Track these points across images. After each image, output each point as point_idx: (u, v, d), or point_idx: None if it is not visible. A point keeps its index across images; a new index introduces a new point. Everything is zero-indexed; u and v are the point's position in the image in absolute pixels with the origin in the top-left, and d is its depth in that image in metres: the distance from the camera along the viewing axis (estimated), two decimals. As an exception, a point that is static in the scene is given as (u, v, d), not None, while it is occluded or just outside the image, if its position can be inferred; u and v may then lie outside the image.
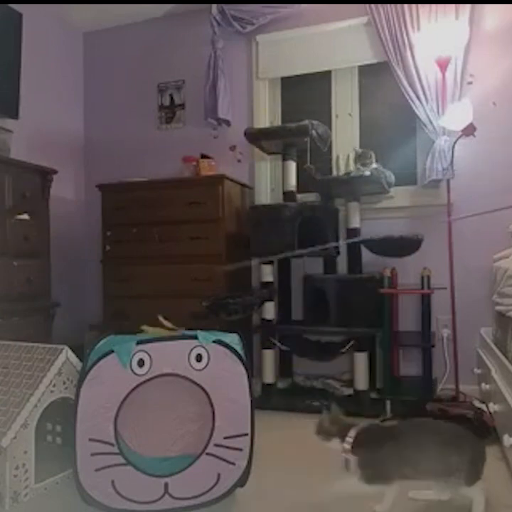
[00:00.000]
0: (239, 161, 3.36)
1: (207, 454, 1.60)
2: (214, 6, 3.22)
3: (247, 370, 1.64)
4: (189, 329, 1.67)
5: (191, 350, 1.59)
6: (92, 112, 3.76)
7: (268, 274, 2.82)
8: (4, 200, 2.60)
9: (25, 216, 2.71)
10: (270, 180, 3.34)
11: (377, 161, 2.77)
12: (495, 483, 1.70)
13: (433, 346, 2.56)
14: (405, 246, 2.60)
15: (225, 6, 3.20)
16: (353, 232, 2.82)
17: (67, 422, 1.67)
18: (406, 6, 2.83)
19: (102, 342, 1.60)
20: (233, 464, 1.62)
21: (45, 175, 2.87)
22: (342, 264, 2.93)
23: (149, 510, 1.55)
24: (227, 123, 3.34)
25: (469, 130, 2.54)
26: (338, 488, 1.58)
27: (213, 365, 1.61)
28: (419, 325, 2.60)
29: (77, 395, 1.52)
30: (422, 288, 2.55)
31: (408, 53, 2.83)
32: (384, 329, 2.54)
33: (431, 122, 2.79)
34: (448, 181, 2.69)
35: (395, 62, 2.87)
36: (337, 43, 3.11)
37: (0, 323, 2.48)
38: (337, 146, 3.21)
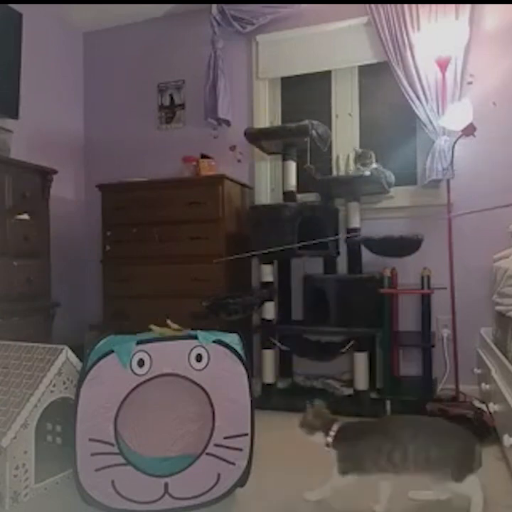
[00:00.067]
0: (239, 161, 3.36)
1: (207, 454, 1.60)
2: (214, 6, 3.23)
3: (247, 370, 1.64)
4: (191, 329, 1.67)
5: (191, 350, 1.59)
6: (92, 112, 3.76)
7: (268, 274, 2.82)
8: (4, 200, 2.60)
9: (25, 216, 2.71)
10: (270, 180, 3.34)
11: (377, 161, 2.77)
12: (495, 483, 1.70)
13: (433, 346, 2.56)
14: (405, 246, 2.60)
15: (225, 6, 3.20)
16: (353, 232, 2.82)
17: (67, 422, 1.67)
18: (406, 6, 2.83)
19: (102, 342, 1.60)
20: (233, 463, 1.62)
21: (45, 175, 2.87)
22: (342, 264, 2.93)
23: (149, 510, 1.55)
24: (227, 123, 3.34)
25: (469, 130, 2.54)
26: (322, 487, 1.58)
27: (213, 365, 1.61)
28: (419, 325, 2.60)
29: (77, 395, 1.52)
30: (422, 288, 2.55)
31: (408, 53, 2.83)
32: (384, 329, 2.54)
33: (431, 122, 2.79)
34: (448, 181, 2.69)
35: (395, 62, 2.87)
36: (337, 43, 3.11)
37: (0, 323, 2.48)
38: (337, 146, 3.21)
